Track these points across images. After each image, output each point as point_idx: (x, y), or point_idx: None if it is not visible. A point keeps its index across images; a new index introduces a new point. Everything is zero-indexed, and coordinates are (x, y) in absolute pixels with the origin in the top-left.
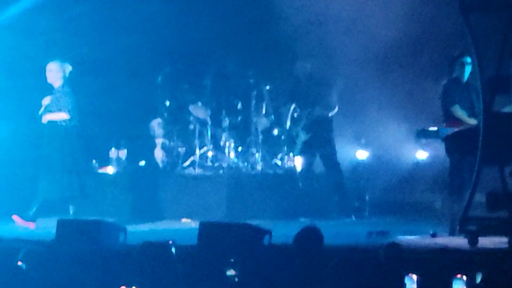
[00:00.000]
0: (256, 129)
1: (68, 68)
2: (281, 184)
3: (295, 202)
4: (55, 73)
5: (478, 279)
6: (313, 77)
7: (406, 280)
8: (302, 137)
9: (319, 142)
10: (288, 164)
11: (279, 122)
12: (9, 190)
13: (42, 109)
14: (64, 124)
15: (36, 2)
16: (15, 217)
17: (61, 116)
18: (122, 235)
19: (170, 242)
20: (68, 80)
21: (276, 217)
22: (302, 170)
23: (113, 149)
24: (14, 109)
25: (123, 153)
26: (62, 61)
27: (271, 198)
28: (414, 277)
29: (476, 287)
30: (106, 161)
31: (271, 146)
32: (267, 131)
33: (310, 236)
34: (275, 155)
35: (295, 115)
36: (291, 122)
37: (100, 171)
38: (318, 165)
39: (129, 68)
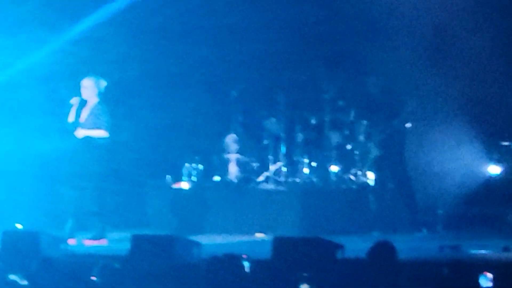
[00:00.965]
0: (330, 144)
1: (103, 84)
2: (354, 198)
3: (368, 216)
4: (91, 89)
5: None
6: (386, 91)
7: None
8: (375, 151)
9: (392, 157)
10: (361, 178)
11: (353, 137)
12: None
13: (75, 123)
14: (101, 141)
15: (107, 16)
16: (87, 242)
17: (99, 133)
18: (196, 250)
19: (244, 256)
20: (104, 96)
21: (349, 231)
22: (375, 185)
23: (187, 164)
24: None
25: (197, 169)
26: (97, 77)
27: (344, 212)
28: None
29: None
30: (180, 177)
31: (344, 161)
32: (341, 146)
33: (383, 250)
34: (348, 170)
35: (368, 129)
36: (364, 136)
37: (174, 186)
38: (391, 180)
39: (203, 83)
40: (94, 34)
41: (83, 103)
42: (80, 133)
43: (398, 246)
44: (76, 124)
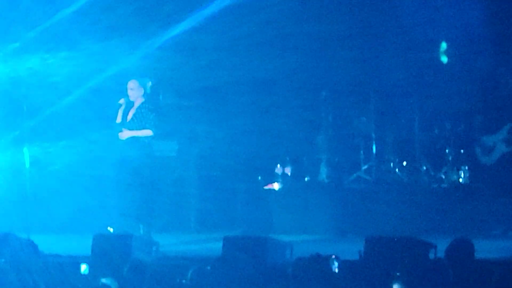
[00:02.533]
0: (420, 143)
1: (149, 84)
2: (445, 198)
3: (458, 215)
4: (136, 90)
5: None
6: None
7: None
8: (466, 151)
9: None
10: (452, 177)
11: (444, 136)
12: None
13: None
14: (146, 141)
15: (197, 22)
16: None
17: (145, 133)
18: (288, 252)
19: (333, 256)
20: (149, 96)
21: (440, 231)
22: (465, 184)
23: (278, 166)
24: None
25: (288, 170)
26: (142, 77)
27: (436, 212)
28: None
29: None
30: (272, 178)
31: (435, 160)
32: (431, 145)
33: (457, 248)
34: (439, 169)
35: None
36: (454, 136)
37: (266, 187)
38: (480, 179)
39: (293, 85)
40: (185, 40)
41: (129, 104)
42: (125, 134)
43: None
44: (123, 125)
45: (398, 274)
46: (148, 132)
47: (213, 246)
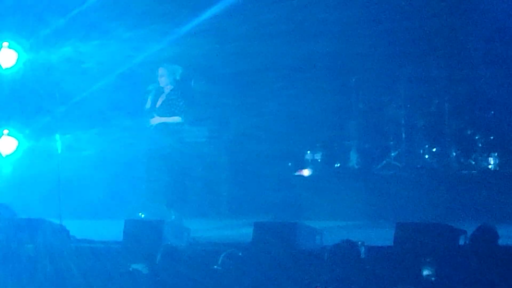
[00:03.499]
0: (450, 130)
1: (178, 70)
2: (474, 184)
3: (487, 202)
4: (166, 77)
5: None
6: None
7: None
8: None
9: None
10: (482, 163)
11: (474, 122)
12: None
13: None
14: (177, 127)
15: (227, 8)
16: None
17: (175, 119)
18: (318, 238)
19: (360, 243)
20: (179, 83)
21: (469, 217)
22: (495, 170)
23: (308, 152)
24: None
25: (318, 156)
26: (171, 64)
27: (464, 198)
28: None
29: None
30: (302, 164)
31: (465, 146)
32: (461, 131)
33: (482, 233)
34: (469, 155)
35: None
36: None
37: (297, 173)
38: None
39: (324, 72)
40: (215, 26)
41: (160, 90)
42: (156, 120)
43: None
44: (152, 111)
45: (428, 260)
46: (177, 119)
47: (244, 231)
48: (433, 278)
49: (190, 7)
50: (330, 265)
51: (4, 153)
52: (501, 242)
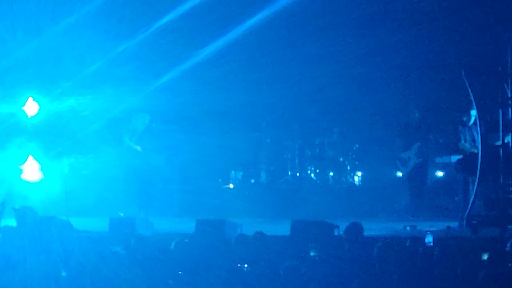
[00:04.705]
0: (328, 157)
1: (147, 117)
2: (345, 194)
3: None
4: (139, 121)
5: (485, 257)
6: None
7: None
8: (358, 163)
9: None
10: (350, 180)
11: (344, 153)
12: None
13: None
14: (144, 153)
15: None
16: None
17: (141, 148)
18: (239, 229)
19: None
20: (147, 125)
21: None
22: (360, 185)
23: (233, 172)
24: None
25: (239, 175)
26: (142, 113)
27: (338, 203)
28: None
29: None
30: (228, 180)
31: (338, 168)
32: (335, 159)
33: (353, 228)
34: (341, 175)
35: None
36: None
37: (225, 186)
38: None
39: (243, 115)
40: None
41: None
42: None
43: (377, 225)
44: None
45: (313, 245)
46: (144, 148)
47: (190, 225)
48: (317, 258)
49: (154, 72)
50: (246, 248)
51: (29, 173)
52: (365, 233)
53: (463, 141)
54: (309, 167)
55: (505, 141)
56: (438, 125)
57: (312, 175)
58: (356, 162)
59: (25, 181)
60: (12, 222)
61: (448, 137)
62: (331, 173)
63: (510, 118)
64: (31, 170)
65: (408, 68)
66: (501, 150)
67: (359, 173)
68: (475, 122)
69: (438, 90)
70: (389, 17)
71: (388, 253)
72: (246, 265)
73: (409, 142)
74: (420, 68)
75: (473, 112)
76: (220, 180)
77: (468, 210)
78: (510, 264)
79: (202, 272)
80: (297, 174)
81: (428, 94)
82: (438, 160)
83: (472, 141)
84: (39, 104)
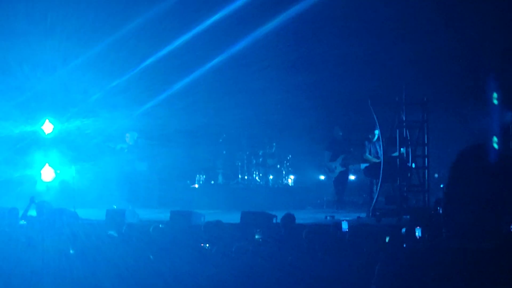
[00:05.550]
0: (268, 164)
1: (135, 135)
2: (281, 192)
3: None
4: (130, 138)
5: (387, 239)
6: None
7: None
8: (291, 168)
9: (298, 171)
10: (285, 181)
11: (280, 161)
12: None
13: (121, 154)
14: (132, 162)
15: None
16: None
17: (129, 158)
18: (202, 218)
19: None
20: (135, 141)
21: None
22: (293, 185)
23: (198, 175)
24: None
25: (202, 177)
26: (132, 131)
27: (276, 199)
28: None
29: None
30: (194, 181)
31: (276, 173)
32: (274, 166)
33: (288, 217)
34: (279, 177)
35: (285, 160)
36: (282, 162)
37: (192, 186)
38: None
39: (205, 133)
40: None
41: (126, 145)
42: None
43: (305, 215)
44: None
45: (258, 230)
46: (132, 157)
47: (165, 215)
48: (260, 240)
49: (139, 101)
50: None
51: (46, 176)
52: (296, 221)
53: (367, 153)
54: (254, 172)
55: (401, 152)
56: (355, 141)
57: (257, 178)
58: (290, 168)
59: (44, 182)
60: (33, 213)
61: (359, 150)
62: (271, 177)
63: (404, 136)
64: (48, 174)
65: (333, 98)
66: (397, 159)
67: (292, 177)
68: (378, 139)
69: (353, 115)
70: (311, 60)
71: (313, 236)
72: (207, 245)
73: (335, 155)
74: (341, 98)
75: (377, 131)
76: (188, 181)
77: (373, 204)
78: (404, 245)
79: (174, 249)
80: (246, 177)
81: (347, 117)
82: (351, 167)
83: (376, 153)
84: (53, 124)
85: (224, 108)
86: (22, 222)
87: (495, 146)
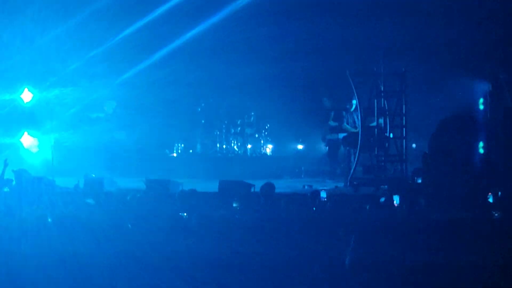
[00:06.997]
0: (247, 134)
1: (113, 104)
2: (261, 162)
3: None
4: (108, 107)
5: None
6: None
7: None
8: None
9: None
10: (264, 151)
11: (258, 131)
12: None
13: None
14: (111, 130)
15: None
16: None
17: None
18: (180, 187)
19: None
20: (114, 109)
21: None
22: (271, 155)
23: (176, 144)
24: None
25: (181, 147)
26: (110, 100)
27: (255, 169)
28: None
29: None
30: (173, 150)
31: (254, 143)
32: (252, 135)
33: (268, 186)
34: (256, 148)
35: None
36: (261, 131)
37: (170, 155)
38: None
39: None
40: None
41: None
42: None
43: (283, 184)
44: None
45: (236, 198)
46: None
47: (141, 184)
48: (238, 208)
49: (118, 70)
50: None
51: (25, 144)
52: (276, 190)
53: (345, 123)
54: (233, 141)
55: (379, 122)
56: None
57: (235, 147)
58: (268, 138)
59: (22, 150)
60: (9, 176)
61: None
62: (249, 146)
63: (382, 105)
64: (27, 142)
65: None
66: (375, 130)
67: (270, 146)
68: (356, 109)
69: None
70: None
71: (292, 205)
72: (185, 214)
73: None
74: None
75: (354, 101)
76: (167, 150)
77: (351, 174)
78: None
79: (152, 218)
80: (224, 146)
81: (325, 88)
82: (329, 137)
83: (353, 122)
84: (32, 93)
85: (202, 77)
86: (6, 189)
87: (481, 107)
